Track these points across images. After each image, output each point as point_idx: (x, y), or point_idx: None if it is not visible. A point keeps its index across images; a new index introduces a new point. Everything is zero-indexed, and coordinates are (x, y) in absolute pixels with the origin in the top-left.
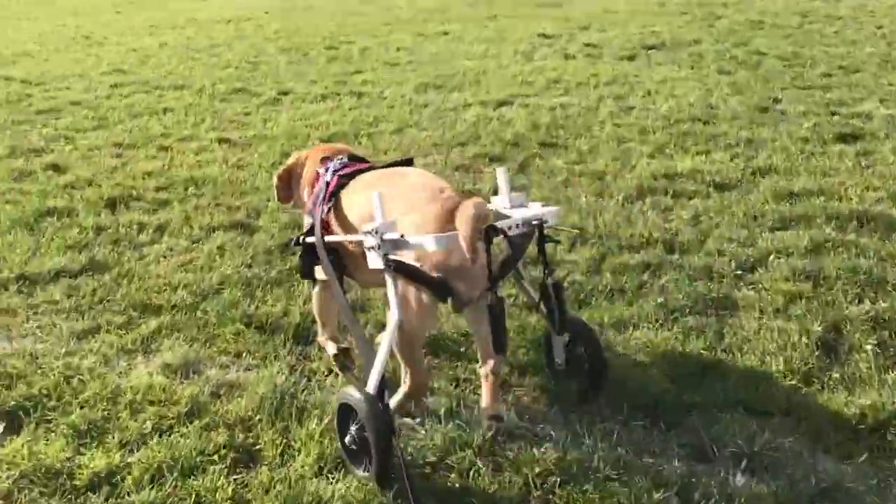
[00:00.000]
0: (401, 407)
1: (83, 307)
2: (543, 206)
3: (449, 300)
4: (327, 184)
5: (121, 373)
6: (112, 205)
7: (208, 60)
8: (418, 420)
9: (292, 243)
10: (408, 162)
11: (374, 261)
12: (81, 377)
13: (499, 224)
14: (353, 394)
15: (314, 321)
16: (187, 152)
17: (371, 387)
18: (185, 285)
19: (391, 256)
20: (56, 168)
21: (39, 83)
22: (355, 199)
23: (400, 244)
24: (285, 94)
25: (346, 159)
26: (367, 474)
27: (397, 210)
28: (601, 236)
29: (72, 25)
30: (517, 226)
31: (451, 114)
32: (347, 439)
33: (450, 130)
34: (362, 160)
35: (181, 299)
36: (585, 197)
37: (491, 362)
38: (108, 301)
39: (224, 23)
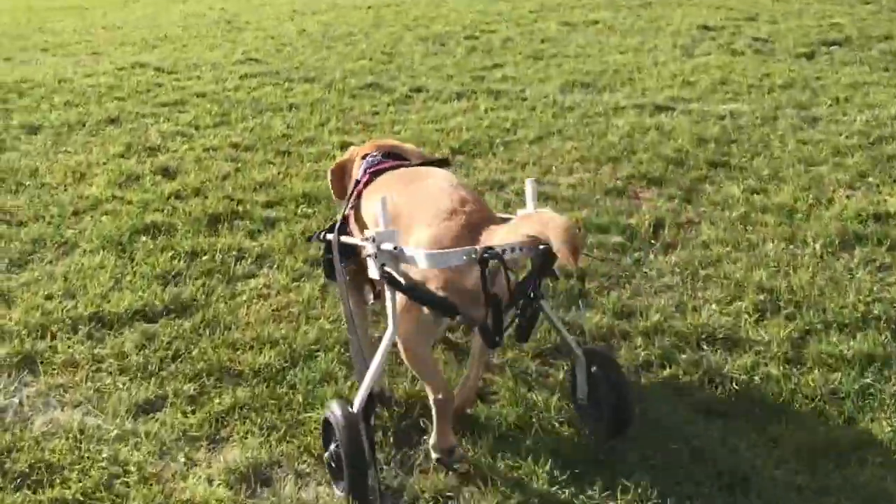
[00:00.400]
0: (444, 435)
1: (153, 366)
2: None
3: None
4: (357, 181)
5: (176, 473)
6: (215, 222)
7: (343, 50)
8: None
9: (312, 238)
10: (442, 162)
11: (372, 270)
12: (128, 478)
13: (497, 245)
14: (335, 410)
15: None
16: (305, 159)
17: (356, 405)
18: (273, 342)
19: (389, 268)
20: (165, 172)
21: (172, 71)
22: (371, 199)
23: (395, 256)
24: (418, 90)
25: (379, 156)
26: (342, 493)
27: (419, 219)
28: (797, 304)
29: (217, 9)
30: (514, 250)
31: (600, 120)
32: (326, 455)
33: (599, 141)
34: (399, 156)
35: (266, 363)
36: (773, 242)
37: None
38: (182, 359)
39: (364, 9)
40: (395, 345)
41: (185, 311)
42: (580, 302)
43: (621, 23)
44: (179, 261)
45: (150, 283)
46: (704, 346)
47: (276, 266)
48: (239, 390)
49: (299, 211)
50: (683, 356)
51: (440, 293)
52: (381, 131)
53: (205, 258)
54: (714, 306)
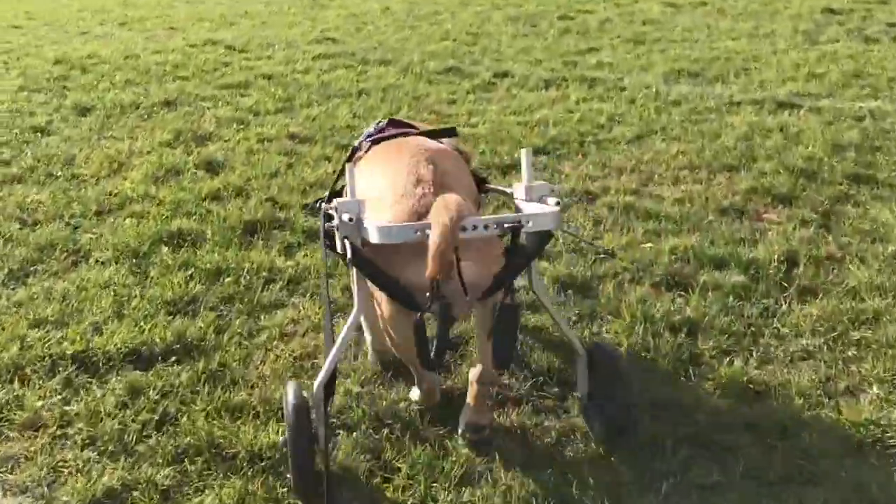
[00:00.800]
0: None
1: (129, 436)
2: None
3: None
4: (354, 149)
5: None
6: (251, 231)
7: (426, 30)
8: None
9: (307, 207)
10: (449, 132)
11: (339, 243)
12: None
13: (468, 222)
14: (288, 393)
15: None
16: None
17: (315, 387)
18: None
19: (351, 240)
20: (209, 167)
21: (243, 50)
22: (363, 170)
23: (355, 228)
24: (503, 75)
25: (384, 122)
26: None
27: (387, 197)
28: None
29: None
30: (489, 226)
31: (711, 117)
32: (281, 440)
33: (711, 144)
34: (407, 125)
35: (271, 444)
36: None
37: (478, 368)
38: (167, 429)
39: None
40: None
41: (188, 355)
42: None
43: (732, 5)
44: (198, 282)
45: (157, 311)
46: (868, 455)
47: (309, 294)
48: (227, 486)
49: None
50: (842, 473)
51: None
52: (455, 122)
53: (227, 280)
54: (875, 389)
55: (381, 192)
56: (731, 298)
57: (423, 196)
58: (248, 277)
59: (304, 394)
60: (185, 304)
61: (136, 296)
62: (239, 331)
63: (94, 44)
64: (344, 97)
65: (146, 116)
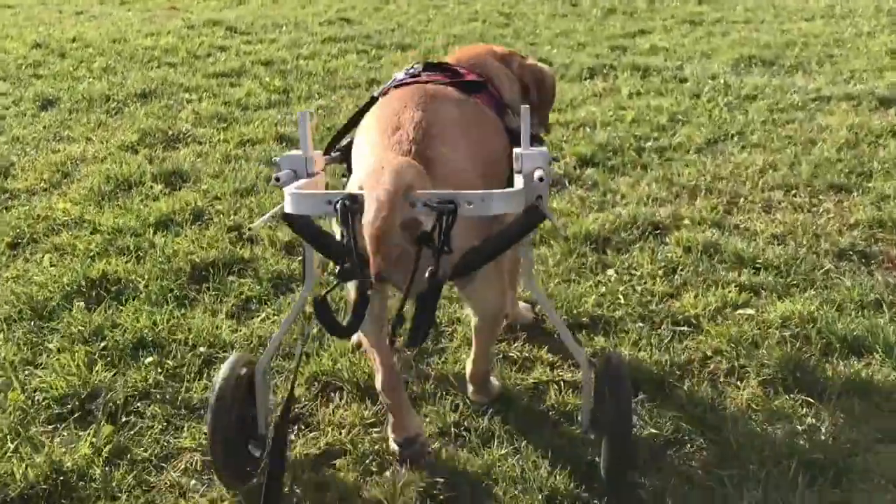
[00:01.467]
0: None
1: None
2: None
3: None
4: (373, 97)
5: None
6: (200, 277)
7: (453, 9)
8: None
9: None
10: (477, 86)
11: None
12: None
13: (418, 194)
14: (225, 364)
15: None
16: None
17: (259, 363)
18: None
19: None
20: (170, 180)
21: (245, 32)
22: (366, 120)
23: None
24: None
25: (421, 66)
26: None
27: (358, 157)
28: None
29: None
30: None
31: (799, 116)
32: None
33: (806, 155)
34: (447, 68)
35: None
36: None
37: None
38: None
39: None
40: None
41: None
42: None
43: None
44: (106, 364)
45: (34, 418)
46: None
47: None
48: None
49: (324, 274)
50: None
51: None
52: None
53: (148, 361)
54: None
55: (359, 147)
56: (885, 411)
57: (385, 158)
58: (178, 356)
59: (243, 370)
60: (77, 405)
61: (13, 387)
62: (145, 456)
63: (84, 25)
64: (351, 89)
65: (115, 111)
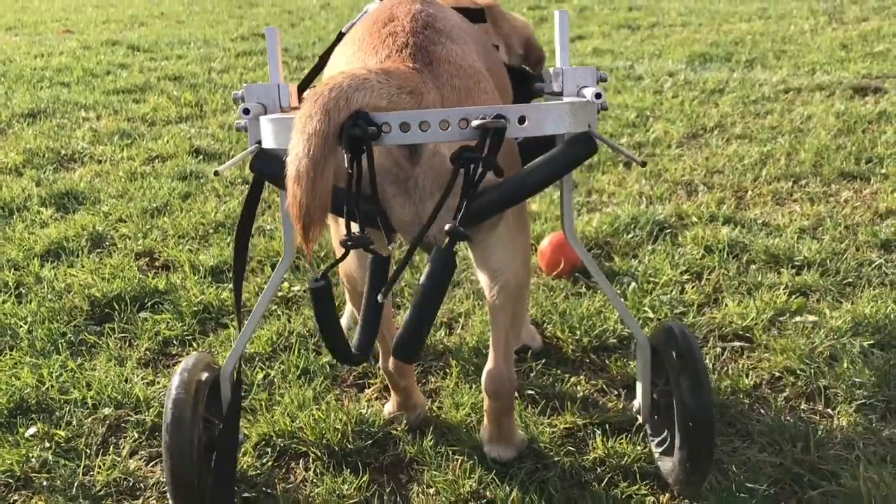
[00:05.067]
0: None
1: None
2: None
3: None
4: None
5: None
6: (102, 319)
7: None
8: None
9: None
10: (476, 13)
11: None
12: None
13: (379, 116)
14: (182, 366)
15: None
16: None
17: (226, 361)
18: None
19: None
20: (62, 204)
21: (148, 50)
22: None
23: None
24: None
25: None
26: None
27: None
28: None
29: None
30: (428, 125)
31: (775, 108)
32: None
33: (800, 143)
34: None
35: None
36: None
37: (488, 367)
38: None
39: None
40: None
41: None
42: None
43: None
44: None
45: None
46: None
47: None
48: None
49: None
50: None
51: None
52: None
53: (22, 449)
54: None
55: (334, 58)
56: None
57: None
58: (73, 424)
59: (204, 375)
60: None
61: None
62: None
63: None
64: None
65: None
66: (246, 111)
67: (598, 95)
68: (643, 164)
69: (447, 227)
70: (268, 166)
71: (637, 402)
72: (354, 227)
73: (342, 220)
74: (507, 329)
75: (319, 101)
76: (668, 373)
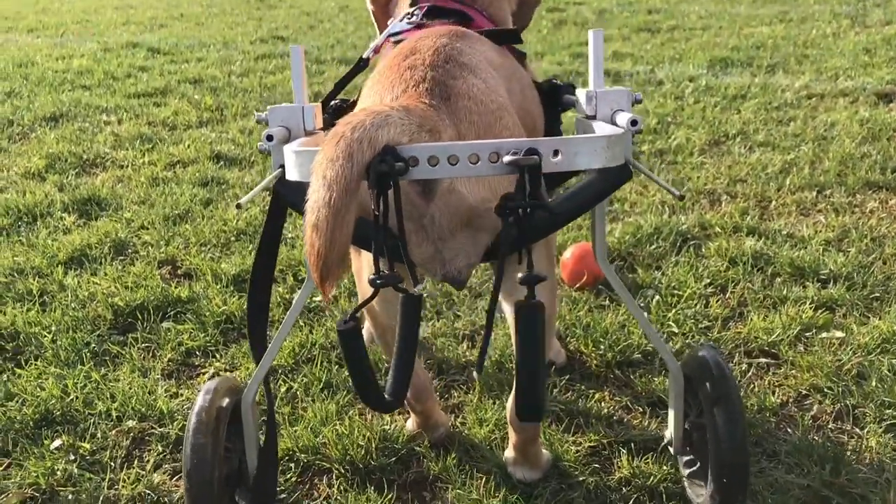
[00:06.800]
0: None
1: None
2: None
3: None
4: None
5: None
6: (124, 328)
7: None
8: None
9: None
10: (511, 35)
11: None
12: None
13: (406, 150)
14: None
15: None
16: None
17: (248, 386)
18: None
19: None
20: (84, 210)
21: (168, 53)
22: (370, 86)
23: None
24: None
25: (418, 14)
26: None
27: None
28: None
29: None
30: (457, 160)
31: (798, 114)
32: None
33: (824, 151)
34: (459, 14)
35: None
36: None
37: (511, 401)
38: None
39: None
40: None
41: None
42: None
43: None
44: None
45: None
46: None
47: None
48: None
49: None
50: None
51: None
52: None
53: (47, 462)
54: None
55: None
56: None
57: (398, 99)
58: (97, 436)
59: (225, 400)
60: None
61: None
62: None
63: None
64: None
65: (19, 137)
66: (269, 137)
67: (633, 122)
68: (681, 198)
69: (519, 276)
70: (290, 192)
71: (669, 433)
72: (383, 265)
73: (365, 253)
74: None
75: (342, 144)
76: (701, 404)
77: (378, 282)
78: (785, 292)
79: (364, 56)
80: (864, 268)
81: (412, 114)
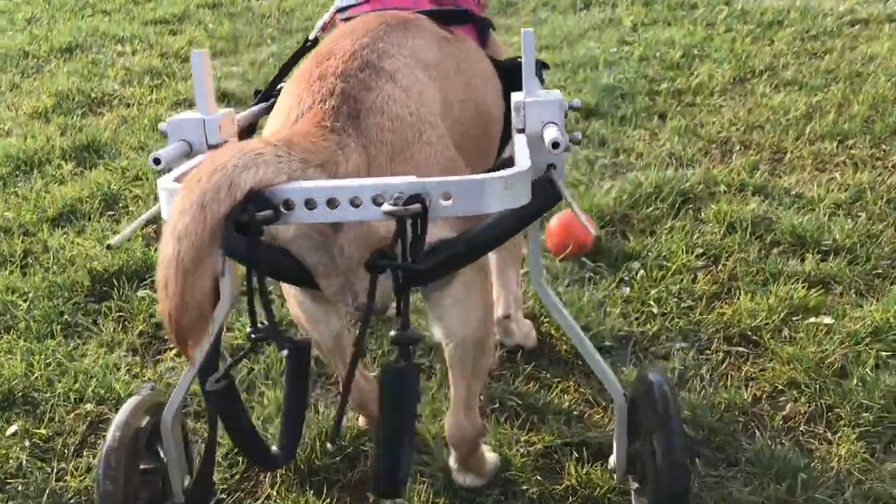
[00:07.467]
0: None
1: None
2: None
3: None
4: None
5: None
6: (100, 295)
7: None
8: None
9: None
10: (460, 15)
11: None
12: None
13: (280, 192)
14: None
15: None
16: None
17: (169, 403)
18: None
19: None
20: (82, 157)
21: None
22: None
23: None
24: None
25: None
26: None
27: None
28: None
29: None
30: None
31: (836, 45)
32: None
33: (855, 93)
34: None
35: None
36: None
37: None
38: None
39: None
40: None
41: None
42: None
43: None
44: None
45: None
46: None
47: None
48: None
49: None
50: None
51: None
52: None
53: (2, 449)
54: None
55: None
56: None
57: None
58: (55, 420)
59: (144, 419)
60: None
61: None
62: None
63: None
64: (309, 31)
65: (33, 71)
66: (156, 161)
67: (555, 144)
68: (598, 238)
69: (392, 333)
70: None
71: (612, 460)
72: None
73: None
74: (470, 379)
75: (196, 192)
76: (644, 431)
77: (253, 336)
78: (780, 266)
79: (310, 37)
80: (872, 238)
81: (295, 148)
